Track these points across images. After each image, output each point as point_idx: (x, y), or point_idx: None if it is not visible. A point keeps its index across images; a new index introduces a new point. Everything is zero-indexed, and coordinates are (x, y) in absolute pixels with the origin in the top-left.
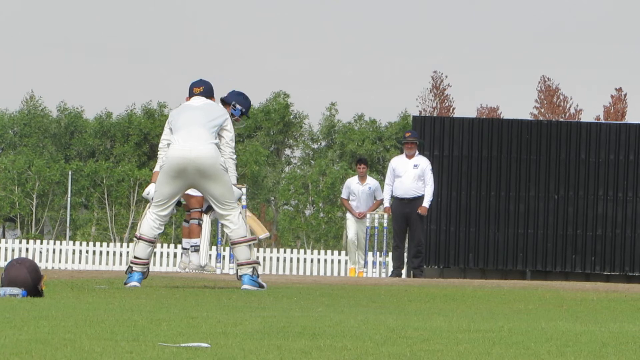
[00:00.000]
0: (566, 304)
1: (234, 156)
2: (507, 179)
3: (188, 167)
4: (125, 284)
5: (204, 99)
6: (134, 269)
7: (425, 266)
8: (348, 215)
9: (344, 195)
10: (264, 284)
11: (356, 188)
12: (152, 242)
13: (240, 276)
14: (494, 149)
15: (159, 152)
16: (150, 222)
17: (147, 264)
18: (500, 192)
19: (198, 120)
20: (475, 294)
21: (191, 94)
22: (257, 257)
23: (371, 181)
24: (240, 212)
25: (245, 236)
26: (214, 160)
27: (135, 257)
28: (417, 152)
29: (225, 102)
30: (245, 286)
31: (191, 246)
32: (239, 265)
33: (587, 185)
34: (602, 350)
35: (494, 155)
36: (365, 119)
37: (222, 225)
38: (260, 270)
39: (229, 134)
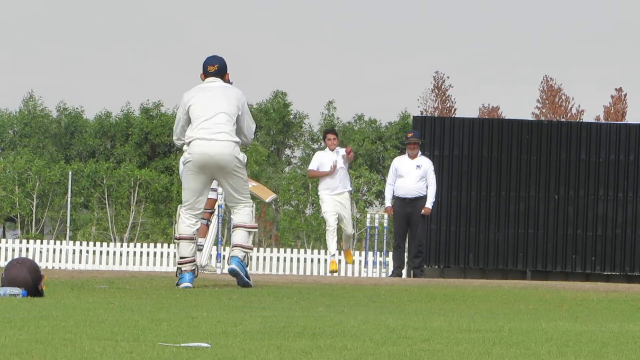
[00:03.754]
0: (566, 304)
1: (251, 136)
2: (508, 179)
3: (209, 163)
4: (177, 285)
5: (219, 81)
6: (183, 269)
7: (425, 266)
8: (323, 196)
9: (312, 166)
10: (251, 281)
11: (331, 158)
12: (192, 239)
13: (231, 257)
14: (494, 149)
15: (176, 137)
16: (185, 222)
17: (194, 261)
18: (501, 192)
19: (218, 108)
20: (475, 294)
21: (205, 72)
22: (252, 247)
23: (341, 150)
24: (252, 206)
25: (248, 223)
26: (231, 157)
27: (181, 258)
28: (420, 152)
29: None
30: (232, 266)
31: None
32: (233, 246)
33: (588, 185)
34: (603, 350)
35: (495, 155)
36: (365, 119)
37: (231, 211)
38: (260, 270)
39: (252, 124)
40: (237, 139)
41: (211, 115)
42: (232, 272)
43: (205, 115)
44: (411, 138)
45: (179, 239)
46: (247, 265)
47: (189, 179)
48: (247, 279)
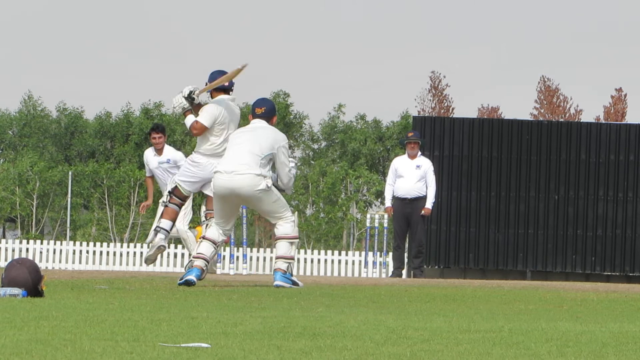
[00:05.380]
0: (566, 304)
1: (291, 180)
2: (507, 179)
3: (229, 195)
4: (182, 277)
5: (264, 122)
6: (194, 264)
7: (425, 266)
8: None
9: (147, 173)
10: (300, 282)
11: (153, 161)
12: (215, 244)
13: (274, 271)
14: (494, 149)
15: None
16: (215, 230)
17: (208, 262)
18: (501, 192)
19: (247, 147)
20: (475, 294)
21: (253, 114)
22: (294, 257)
23: (170, 152)
24: (292, 215)
25: (289, 234)
26: (251, 189)
27: (198, 253)
28: (420, 153)
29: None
30: (277, 282)
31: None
32: (276, 257)
33: (587, 186)
34: (603, 351)
35: (494, 155)
36: (367, 119)
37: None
38: (260, 271)
39: (285, 167)
40: (260, 171)
41: (238, 147)
42: (277, 287)
43: (233, 147)
44: (411, 137)
45: (204, 238)
46: (292, 274)
47: (217, 204)
48: (295, 286)
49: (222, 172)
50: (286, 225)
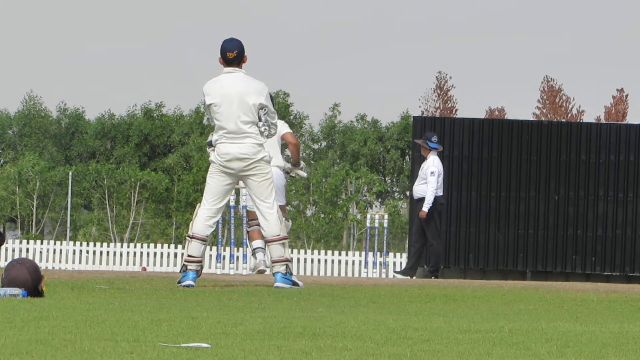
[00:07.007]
0: (566, 305)
1: (274, 130)
2: (508, 180)
3: (231, 161)
4: (179, 282)
5: (238, 72)
6: (188, 267)
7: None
8: None
9: None
10: (300, 282)
11: None
12: (204, 241)
13: (274, 274)
14: (494, 149)
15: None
16: (202, 220)
17: (201, 262)
18: (501, 193)
19: (237, 109)
20: (475, 295)
21: (225, 58)
22: (291, 258)
23: None
24: (277, 211)
25: (279, 234)
26: (252, 157)
27: (189, 256)
28: (432, 155)
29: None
30: (277, 284)
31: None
32: (272, 262)
33: (588, 186)
34: (603, 351)
35: (495, 155)
36: (368, 119)
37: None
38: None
39: (275, 116)
40: (261, 140)
41: (233, 122)
42: (277, 289)
43: (228, 123)
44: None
45: (192, 237)
46: (292, 274)
47: (212, 179)
48: (295, 287)
49: (225, 143)
50: (272, 226)
